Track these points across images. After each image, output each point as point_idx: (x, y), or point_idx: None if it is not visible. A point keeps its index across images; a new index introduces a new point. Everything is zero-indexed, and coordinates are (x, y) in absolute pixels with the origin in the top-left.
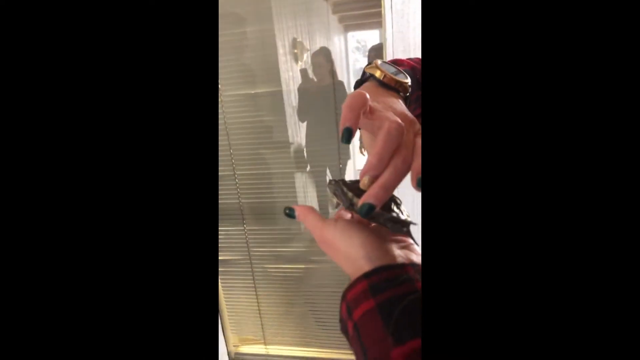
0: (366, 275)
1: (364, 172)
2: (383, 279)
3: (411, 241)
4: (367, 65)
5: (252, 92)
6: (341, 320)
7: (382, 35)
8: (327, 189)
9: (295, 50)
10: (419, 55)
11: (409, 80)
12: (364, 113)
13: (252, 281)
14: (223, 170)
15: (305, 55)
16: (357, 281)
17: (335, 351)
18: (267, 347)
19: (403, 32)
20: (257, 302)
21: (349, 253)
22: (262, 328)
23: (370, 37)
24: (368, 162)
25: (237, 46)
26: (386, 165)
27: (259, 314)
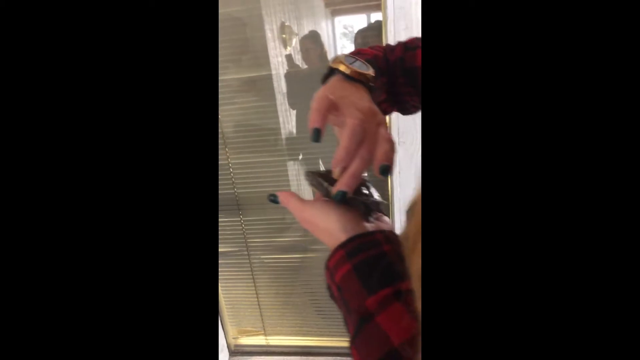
0: (342, 245)
1: (334, 164)
2: (356, 246)
3: (381, 214)
4: (332, 60)
5: (242, 76)
6: (328, 288)
7: (383, 12)
8: (306, 180)
9: (284, 35)
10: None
11: (371, 71)
12: (329, 111)
13: (249, 272)
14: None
15: (294, 40)
16: (335, 250)
17: (335, 339)
18: (267, 338)
19: (405, 9)
20: (256, 293)
21: (327, 228)
22: (262, 319)
23: (357, 22)
24: (337, 155)
25: (224, 27)
26: (353, 157)
27: (258, 305)
